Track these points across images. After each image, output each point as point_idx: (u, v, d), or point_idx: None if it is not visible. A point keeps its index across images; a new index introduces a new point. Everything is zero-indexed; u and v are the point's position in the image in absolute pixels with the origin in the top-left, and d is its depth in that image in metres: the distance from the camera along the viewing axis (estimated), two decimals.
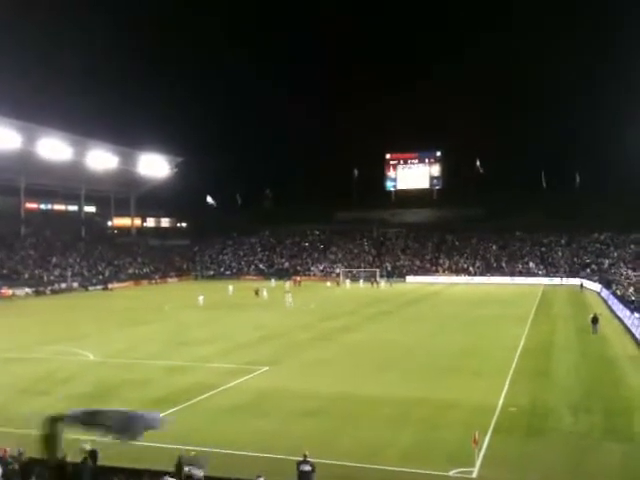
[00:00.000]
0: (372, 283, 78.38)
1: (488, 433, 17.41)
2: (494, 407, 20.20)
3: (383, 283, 78.15)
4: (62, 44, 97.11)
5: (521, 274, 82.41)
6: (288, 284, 57.46)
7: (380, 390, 22.81)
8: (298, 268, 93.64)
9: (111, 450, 12.28)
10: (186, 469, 12.62)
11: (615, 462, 15.91)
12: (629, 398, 21.82)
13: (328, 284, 79.13)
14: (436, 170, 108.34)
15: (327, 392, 22.62)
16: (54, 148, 78.02)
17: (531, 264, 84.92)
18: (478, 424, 17.40)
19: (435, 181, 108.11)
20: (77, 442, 11.23)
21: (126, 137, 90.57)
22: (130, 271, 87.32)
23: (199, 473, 12.52)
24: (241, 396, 22.32)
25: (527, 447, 16.77)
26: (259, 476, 12.45)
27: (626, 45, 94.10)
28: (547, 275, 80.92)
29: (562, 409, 20.20)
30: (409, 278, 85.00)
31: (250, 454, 16.07)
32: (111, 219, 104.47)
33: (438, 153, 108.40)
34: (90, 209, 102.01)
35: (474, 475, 14.71)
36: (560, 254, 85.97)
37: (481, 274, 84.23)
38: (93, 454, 12.40)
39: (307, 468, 13.58)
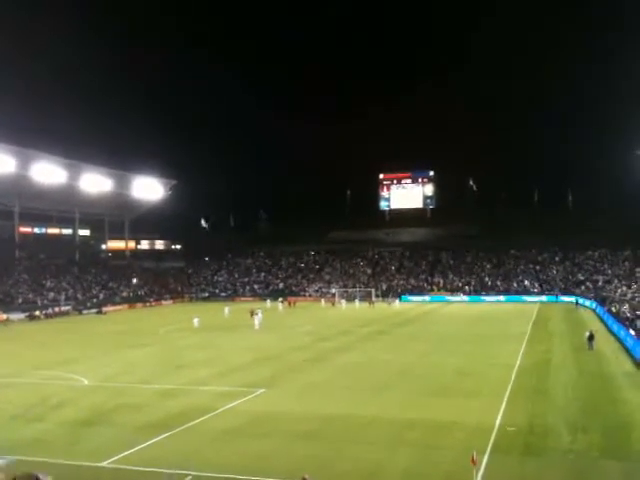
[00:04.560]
0: (369, 303, 78.23)
1: (486, 453, 17.29)
2: (492, 427, 20.08)
3: (397, 302, 78.45)
4: (56, 69, 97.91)
5: (516, 292, 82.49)
6: (258, 310, 57.11)
7: (377, 411, 22.67)
8: (294, 289, 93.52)
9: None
10: None
11: None
12: (627, 415, 21.76)
13: (323, 304, 78.98)
14: (429, 190, 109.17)
15: (324, 414, 22.47)
16: (48, 172, 78.18)
17: (526, 282, 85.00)
18: (476, 444, 17.28)
19: (428, 201, 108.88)
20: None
21: (120, 160, 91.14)
22: (124, 294, 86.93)
23: None
24: (237, 419, 22.13)
25: (525, 466, 16.65)
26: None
27: (620, 61, 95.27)
28: (542, 293, 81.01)
29: (560, 427, 20.09)
30: (404, 297, 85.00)
31: (248, 477, 15.89)
32: (105, 242, 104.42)
33: (431, 173, 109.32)
34: (84, 232, 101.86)
35: None
36: (555, 272, 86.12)
37: (476, 292, 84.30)
38: None
39: None
